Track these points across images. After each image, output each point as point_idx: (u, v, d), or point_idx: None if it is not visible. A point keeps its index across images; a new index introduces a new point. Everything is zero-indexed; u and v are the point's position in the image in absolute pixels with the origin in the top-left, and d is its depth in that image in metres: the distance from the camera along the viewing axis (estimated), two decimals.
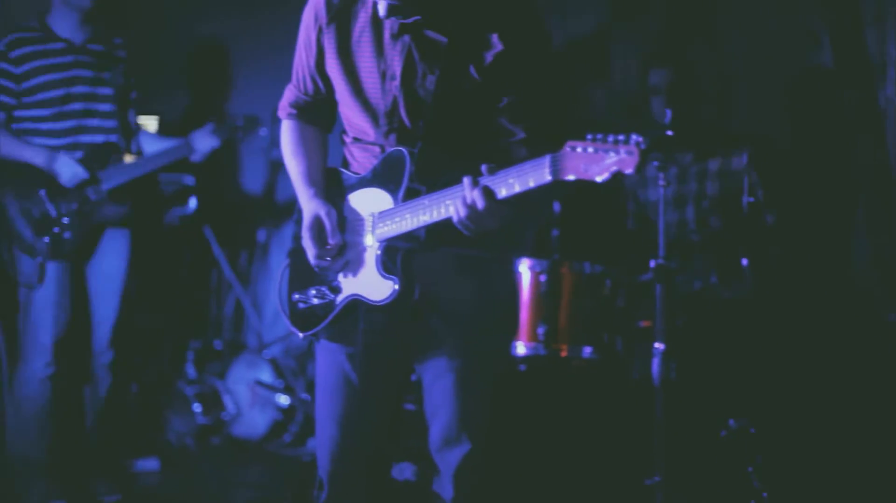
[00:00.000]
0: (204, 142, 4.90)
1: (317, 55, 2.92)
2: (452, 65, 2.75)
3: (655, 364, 4.08)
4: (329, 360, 2.96)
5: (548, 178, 2.41)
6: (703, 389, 4.33)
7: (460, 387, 2.86)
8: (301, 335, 2.97)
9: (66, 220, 4.55)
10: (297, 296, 2.97)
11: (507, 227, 2.65)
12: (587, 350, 4.43)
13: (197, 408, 5.40)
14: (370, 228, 2.82)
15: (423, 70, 2.76)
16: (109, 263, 4.74)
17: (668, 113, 4.10)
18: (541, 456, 4.30)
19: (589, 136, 2.34)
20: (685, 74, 4.67)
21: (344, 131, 2.99)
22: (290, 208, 3.11)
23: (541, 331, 4.38)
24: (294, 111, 3.06)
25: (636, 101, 4.91)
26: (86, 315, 4.71)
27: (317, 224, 2.85)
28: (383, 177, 2.81)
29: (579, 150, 2.34)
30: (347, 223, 2.89)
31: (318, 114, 3.05)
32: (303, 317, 2.96)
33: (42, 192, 4.54)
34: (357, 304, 2.83)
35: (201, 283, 6.05)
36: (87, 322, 4.71)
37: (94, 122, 4.65)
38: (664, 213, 4.12)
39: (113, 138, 4.68)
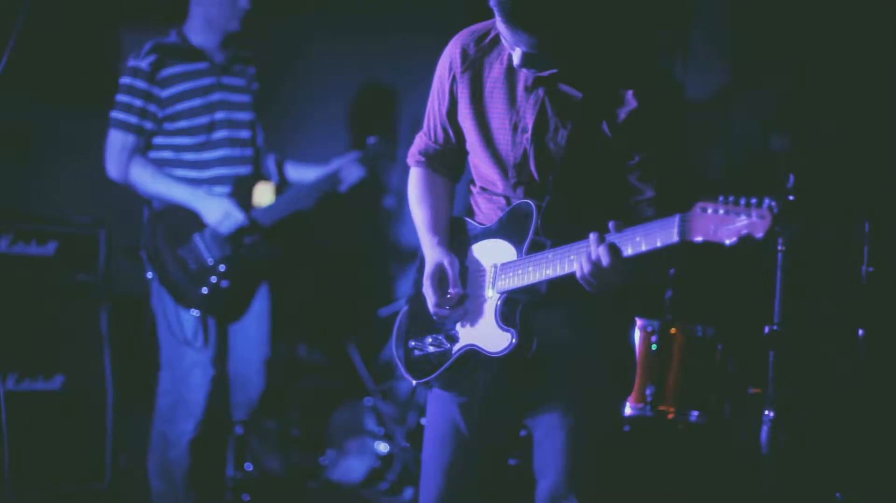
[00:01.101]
0: (351, 171, 4.60)
1: (449, 104, 2.93)
2: (585, 120, 2.73)
3: (764, 432, 4.01)
4: (440, 409, 2.96)
5: (675, 238, 2.36)
6: (811, 460, 4.24)
7: (571, 445, 2.83)
8: (414, 382, 2.96)
9: (222, 268, 4.31)
10: (413, 342, 2.97)
11: (629, 285, 2.62)
12: (694, 414, 4.35)
13: (297, 451, 5.41)
14: (491, 280, 2.81)
15: (556, 124, 2.75)
16: (252, 308, 4.51)
17: (791, 178, 4.05)
18: None
19: (721, 198, 2.29)
20: (807, 140, 4.61)
21: (471, 181, 2.99)
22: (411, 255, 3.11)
23: (649, 391, 4.32)
24: (423, 159, 3.07)
25: (755, 163, 4.86)
26: (225, 368, 4.50)
27: (438, 272, 2.86)
28: (508, 228, 2.81)
29: (710, 211, 2.30)
30: (469, 273, 2.88)
31: (446, 163, 3.06)
32: (417, 365, 2.95)
33: (196, 237, 4.32)
34: (473, 355, 2.82)
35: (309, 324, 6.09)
36: (226, 376, 4.51)
37: (237, 151, 4.42)
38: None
39: (251, 169, 4.45)
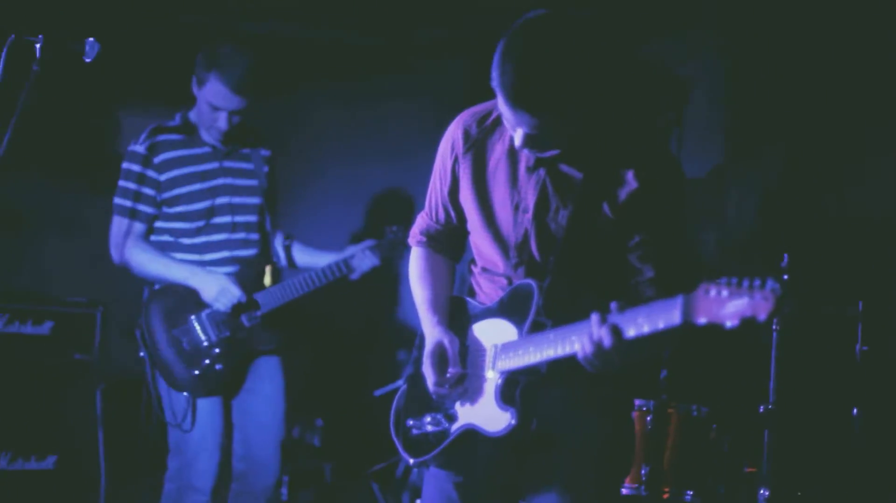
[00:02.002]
0: (365, 260, 4.51)
1: (451, 184, 2.95)
2: (586, 201, 2.74)
3: None
4: (436, 489, 2.94)
5: (678, 320, 2.30)
6: None
7: None
8: (411, 461, 2.94)
9: (216, 351, 4.25)
10: (411, 421, 2.96)
11: (630, 367, 2.61)
12: (689, 494, 4.32)
13: None
14: (492, 360, 2.80)
15: (557, 204, 2.76)
16: (265, 391, 4.42)
17: (785, 257, 4.06)
18: None
19: (723, 280, 2.23)
20: (801, 218, 4.64)
21: (473, 260, 3.00)
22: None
23: (644, 471, 4.30)
24: (424, 238, 3.10)
25: (749, 241, 4.87)
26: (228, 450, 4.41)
27: (438, 351, 2.85)
28: (509, 308, 2.80)
29: (713, 293, 2.23)
30: (469, 352, 2.88)
31: (447, 243, 3.09)
32: (415, 444, 2.94)
33: (192, 318, 4.27)
34: (471, 435, 2.80)
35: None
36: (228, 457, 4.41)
37: (241, 235, 4.35)
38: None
39: (256, 252, 4.38)
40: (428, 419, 2.91)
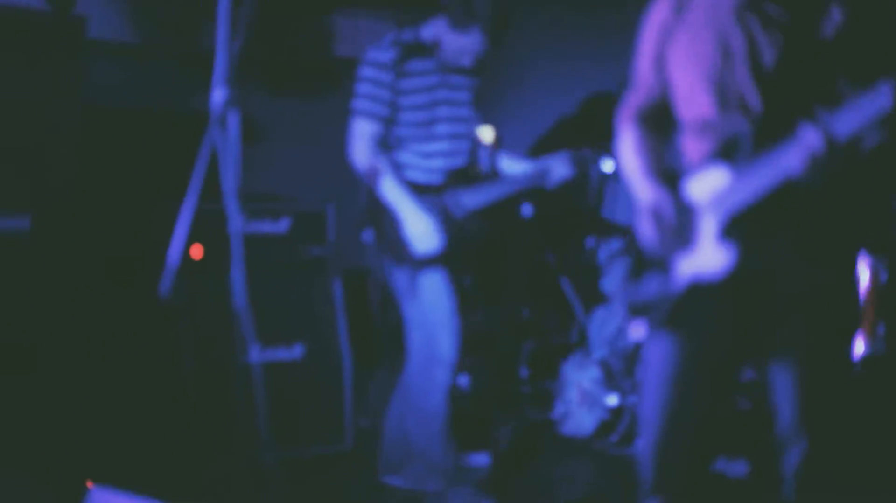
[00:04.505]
0: (560, 170, 4.69)
1: (658, 49, 2.98)
2: (793, 38, 2.73)
3: None
4: (664, 350, 2.95)
5: (886, 101, 2.34)
6: None
7: (805, 383, 2.82)
8: (638, 328, 2.98)
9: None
10: (634, 288, 3.00)
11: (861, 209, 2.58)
12: None
13: (528, 408, 5.51)
14: (709, 206, 2.81)
15: (765, 45, 2.76)
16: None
17: None
18: (874, 461, 4.13)
19: None
20: None
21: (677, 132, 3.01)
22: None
23: (881, 329, 4.22)
24: (635, 114, 3.11)
25: None
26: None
27: (656, 208, 2.88)
28: (721, 157, 2.81)
29: None
30: (684, 209, 2.89)
31: (656, 117, 3.09)
32: (642, 309, 2.98)
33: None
34: (695, 290, 2.82)
35: (533, 287, 6.19)
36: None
37: (456, 144, 4.56)
38: None
39: (467, 159, 4.61)
40: (652, 282, 2.93)
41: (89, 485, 2.98)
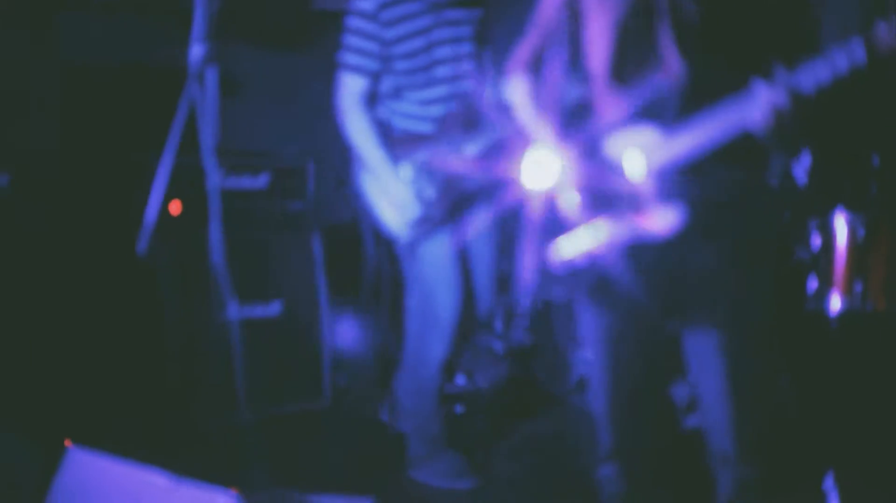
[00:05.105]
0: None
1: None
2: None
3: None
4: (595, 320, 2.88)
5: (860, 55, 2.31)
6: None
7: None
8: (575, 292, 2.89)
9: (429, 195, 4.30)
10: (555, 263, 2.86)
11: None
12: None
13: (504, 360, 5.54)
14: (636, 164, 2.70)
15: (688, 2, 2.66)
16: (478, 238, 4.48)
17: None
18: (850, 415, 4.16)
19: None
20: None
21: None
22: None
23: (858, 286, 4.22)
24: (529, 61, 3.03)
25: None
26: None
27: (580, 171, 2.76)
28: (647, 114, 2.71)
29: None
30: (601, 170, 2.77)
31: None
32: (565, 281, 2.86)
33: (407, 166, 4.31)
34: (632, 251, 2.72)
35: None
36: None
37: (460, 86, 4.32)
38: None
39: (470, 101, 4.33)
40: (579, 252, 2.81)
41: (68, 443, 2.98)
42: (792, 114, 2.44)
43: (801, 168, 4.10)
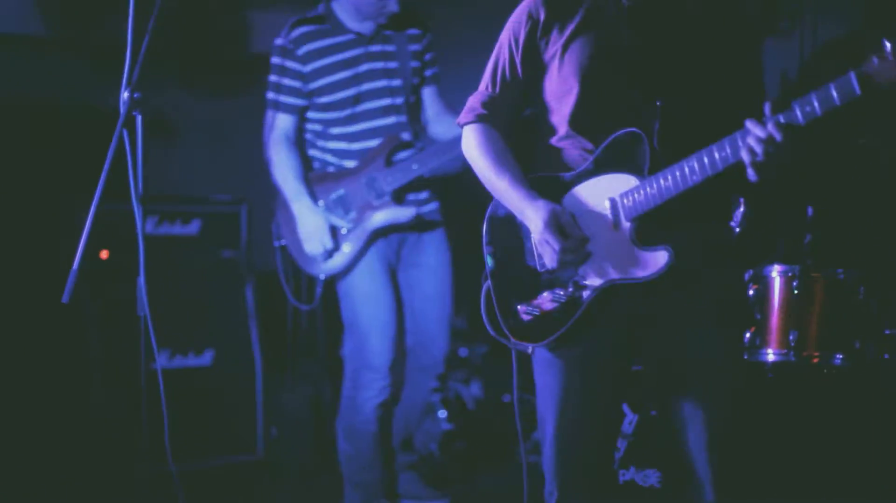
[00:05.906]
0: None
1: (527, 43, 2.87)
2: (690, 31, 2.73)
3: None
4: (566, 365, 2.84)
5: (855, 89, 2.32)
6: None
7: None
8: (535, 346, 2.85)
9: (347, 233, 4.30)
10: (522, 307, 2.86)
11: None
12: (838, 357, 4.24)
13: (442, 414, 5.48)
14: (617, 211, 2.71)
15: (654, 44, 2.73)
16: (430, 263, 4.44)
17: None
18: (788, 462, 4.16)
19: (886, 43, 2.27)
20: None
21: (544, 133, 2.91)
22: None
23: (792, 337, 4.23)
24: (484, 112, 2.95)
25: None
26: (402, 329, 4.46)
27: (554, 219, 2.73)
28: (613, 161, 2.72)
29: (888, 52, 2.26)
30: (578, 217, 2.77)
31: (505, 117, 2.95)
32: (535, 327, 2.84)
33: (321, 203, 4.34)
34: (611, 293, 2.72)
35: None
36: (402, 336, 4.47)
37: (392, 119, 4.32)
38: None
39: (409, 135, 4.36)
40: (547, 296, 2.82)
41: None
42: (785, 149, 2.47)
43: (736, 219, 4.11)
